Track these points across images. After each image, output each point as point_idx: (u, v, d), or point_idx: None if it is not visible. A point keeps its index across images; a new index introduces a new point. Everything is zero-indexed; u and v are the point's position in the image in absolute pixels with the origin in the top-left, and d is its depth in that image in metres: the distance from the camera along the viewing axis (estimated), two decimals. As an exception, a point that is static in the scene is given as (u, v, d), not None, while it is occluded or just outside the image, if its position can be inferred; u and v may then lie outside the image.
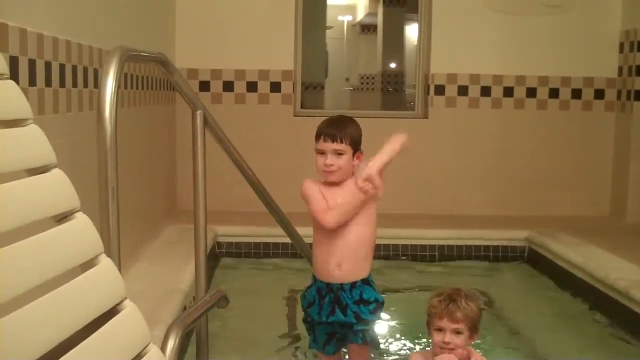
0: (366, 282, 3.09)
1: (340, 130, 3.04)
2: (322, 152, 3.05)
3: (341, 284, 3.05)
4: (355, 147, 3.07)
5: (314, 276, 3.16)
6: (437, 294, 2.89)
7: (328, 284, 3.07)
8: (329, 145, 3.02)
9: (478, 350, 2.91)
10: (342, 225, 3.03)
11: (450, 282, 5.19)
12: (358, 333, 3.07)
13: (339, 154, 3.02)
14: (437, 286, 5.05)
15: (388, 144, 3.03)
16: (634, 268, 4.54)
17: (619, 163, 6.67)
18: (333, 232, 3.03)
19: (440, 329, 2.81)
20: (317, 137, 3.07)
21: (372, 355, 3.36)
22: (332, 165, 3.02)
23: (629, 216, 6.41)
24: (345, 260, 3.03)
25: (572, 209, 6.66)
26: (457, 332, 2.79)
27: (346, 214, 3.02)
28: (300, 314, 4.41)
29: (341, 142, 3.01)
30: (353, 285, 3.06)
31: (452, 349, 2.79)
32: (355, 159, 3.07)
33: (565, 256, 5.12)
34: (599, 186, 6.79)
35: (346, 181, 3.08)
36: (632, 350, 3.88)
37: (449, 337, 2.79)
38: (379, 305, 3.11)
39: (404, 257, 5.68)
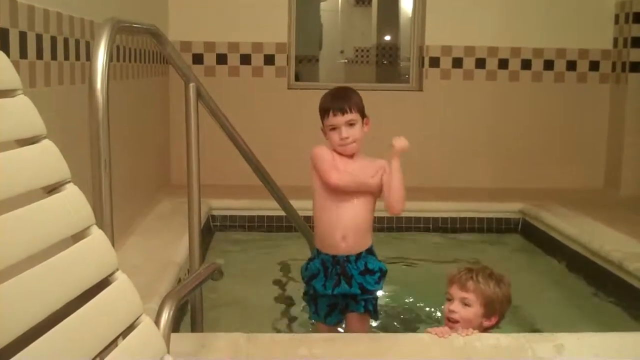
0: (370, 251, 3.12)
1: (347, 100, 3.05)
2: (334, 127, 3.04)
3: (347, 256, 3.07)
4: (363, 114, 3.08)
5: (317, 249, 3.17)
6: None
7: (334, 256, 3.08)
8: (341, 119, 3.02)
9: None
10: (344, 197, 3.05)
11: (444, 255, 5.23)
12: (360, 302, 3.10)
13: (351, 124, 3.02)
14: (431, 259, 5.12)
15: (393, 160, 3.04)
16: (628, 240, 4.55)
17: (614, 135, 6.67)
18: (336, 203, 3.04)
19: (450, 298, 2.78)
20: (325, 113, 3.05)
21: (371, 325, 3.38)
22: (347, 137, 3.03)
23: (623, 188, 6.42)
24: (349, 232, 3.05)
25: (566, 182, 6.66)
26: (465, 304, 2.74)
27: (355, 183, 3.03)
28: (294, 286, 4.45)
29: (351, 112, 3.02)
30: (358, 255, 3.08)
31: (457, 321, 2.73)
32: (364, 125, 3.07)
33: (559, 228, 5.13)
34: (594, 158, 6.79)
35: (359, 155, 3.09)
36: (626, 322, 3.90)
37: (455, 305, 2.74)
38: (383, 274, 3.14)
39: (398, 229, 5.69)
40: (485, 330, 2.81)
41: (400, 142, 3.00)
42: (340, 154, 3.09)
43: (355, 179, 3.03)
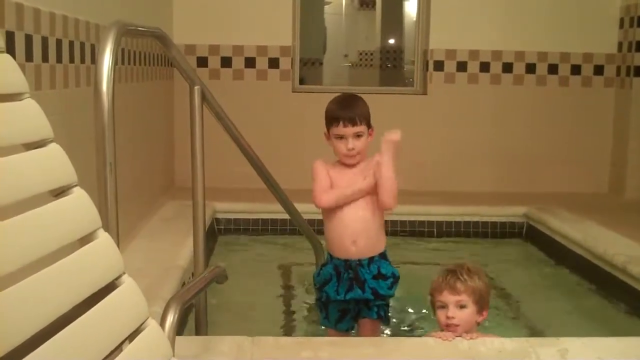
0: (383, 256, 3.12)
1: (357, 111, 3.05)
2: (341, 137, 3.04)
3: (359, 260, 3.07)
4: (369, 124, 3.08)
5: (329, 254, 3.17)
6: (440, 271, 2.84)
7: (346, 261, 3.08)
8: (350, 130, 3.03)
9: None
10: (352, 202, 3.05)
11: (448, 259, 5.21)
12: (373, 308, 3.10)
13: (359, 136, 3.03)
14: (435, 262, 5.11)
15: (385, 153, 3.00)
16: (632, 244, 4.54)
17: (618, 139, 6.66)
18: (343, 208, 3.04)
19: (442, 306, 2.75)
20: (335, 122, 3.05)
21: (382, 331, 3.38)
22: (354, 149, 3.03)
23: (628, 193, 6.41)
24: (359, 236, 3.05)
25: (570, 186, 6.66)
26: (461, 306, 2.72)
27: (345, 197, 3.04)
28: (298, 289, 4.45)
29: (360, 124, 3.03)
30: (371, 260, 3.08)
31: (457, 325, 2.72)
32: (369, 135, 3.08)
33: (563, 232, 5.12)
34: (598, 163, 6.78)
35: (359, 163, 3.10)
36: (630, 326, 3.89)
37: (451, 311, 2.71)
38: (396, 279, 3.14)
39: (402, 234, 5.69)
40: (478, 325, 2.82)
41: (391, 135, 2.97)
42: (342, 163, 3.11)
43: (342, 194, 3.04)
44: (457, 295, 2.72)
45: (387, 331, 3.66)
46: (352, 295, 3.07)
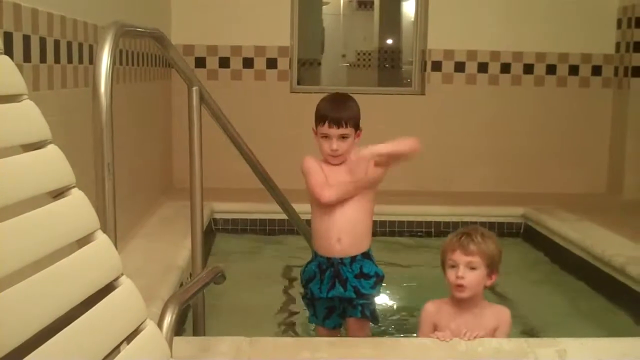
0: (366, 255, 3.12)
1: (345, 114, 3.06)
2: (326, 136, 3.05)
3: (341, 258, 3.08)
4: (357, 127, 3.09)
5: (314, 251, 3.18)
6: (453, 232, 2.85)
7: (329, 259, 3.09)
8: (335, 131, 3.04)
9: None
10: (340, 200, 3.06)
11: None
12: (357, 307, 3.10)
13: (344, 137, 3.04)
14: (433, 263, 5.11)
15: (396, 140, 3.01)
16: (630, 244, 4.55)
17: (616, 140, 6.66)
18: (331, 206, 3.05)
19: (453, 265, 2.75)
20: (321, 121, 3.07)
21: (371, 329, 3.38)
22: (337, 150, 3.05)
23: (626, 193, 6.42)
24: (345, 234, 3.06)
25: (568, 186, 6.66)
26: (472, 268, 2.73)
27: (346, 193, 3.04)
28: (296, 289, 4.45)
29: (346, 126, 3.04)
30: (353, 259, 3.08)
31: (465, 286, 2.72)
32: (355, 137, 3.09)
33: (561, 233, 5.12)
34: (596, 163, 6.79)
35: (347, 160, 3.10)
36: (628, 327, 3.90)
37: (462, 271, 2.71)
38: (379, 279, 3.14)
39: (399, 234, 5.69)
40: (486, 288, 2.83)
41: (411, 142, 3.01)
42: (326, 161, 3.13)
43: (346, 190, 3.05)
44: (469, 256, 2.72)
45: (381, 330, 3.66)
46: (334, 293, 3.09)
